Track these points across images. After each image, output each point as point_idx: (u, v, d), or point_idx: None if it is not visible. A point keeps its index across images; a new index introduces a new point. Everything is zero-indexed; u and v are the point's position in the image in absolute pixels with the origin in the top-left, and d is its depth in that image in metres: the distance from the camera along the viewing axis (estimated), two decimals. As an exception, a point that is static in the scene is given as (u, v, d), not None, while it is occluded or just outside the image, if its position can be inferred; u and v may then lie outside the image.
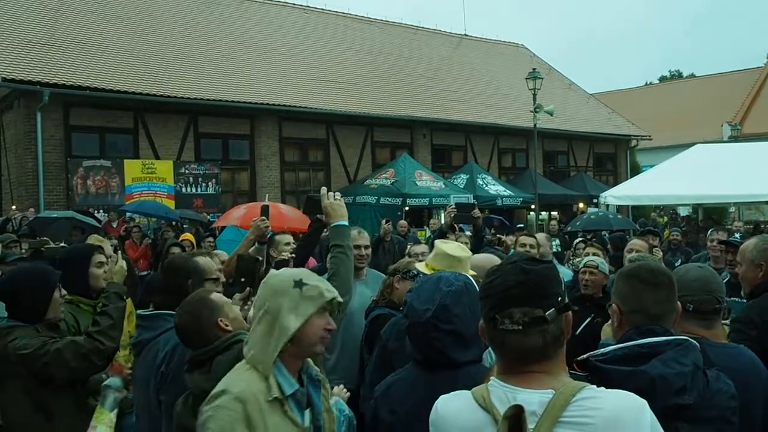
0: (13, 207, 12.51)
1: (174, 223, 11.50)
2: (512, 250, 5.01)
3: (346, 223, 2.72)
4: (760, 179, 10.77)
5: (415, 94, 18.85)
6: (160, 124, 14.06)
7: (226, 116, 14.81)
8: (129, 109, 13.49)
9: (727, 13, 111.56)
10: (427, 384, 1.62)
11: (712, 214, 16.01)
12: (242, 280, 2.86)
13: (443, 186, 15.60)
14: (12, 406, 2.70)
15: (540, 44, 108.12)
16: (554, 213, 19.95)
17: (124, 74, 13.43)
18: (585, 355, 1.67)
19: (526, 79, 16.65)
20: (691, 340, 1.73)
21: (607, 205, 12.60)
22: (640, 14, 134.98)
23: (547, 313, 1.30)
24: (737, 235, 6.86)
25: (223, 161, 14.95)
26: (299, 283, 1.86)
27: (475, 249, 4.22)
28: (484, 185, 17.18)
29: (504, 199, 16.98)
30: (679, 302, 1.85)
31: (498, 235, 5.80)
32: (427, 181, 15.44)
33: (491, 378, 1.38)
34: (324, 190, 2.84)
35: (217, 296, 2.29)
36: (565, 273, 4.96)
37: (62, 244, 6.27)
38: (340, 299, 1.96)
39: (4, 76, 11.71)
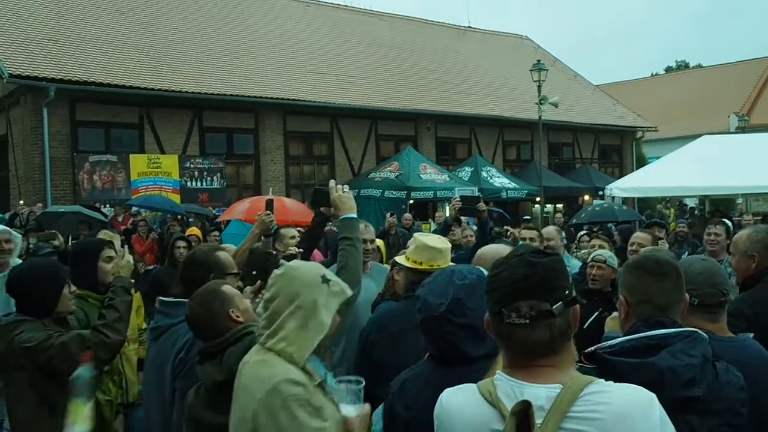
0: (21, 202, 12.56)
1: (180, 217, 11.55)
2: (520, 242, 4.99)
3: (356, 215, 2.71)
4: (768, 170, 10.68)
5: (419, 87, 18.77)
6: (165, 119, 14.08)
7: (230, 110, 14.82)
8: (134, 104, 13.52)
9: (736, 2, 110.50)
10: (441, 379, 1.61)
11: (720, 206, 15.89)
12: (253, 273, 2.87)
13: (448, 179, 15.53)
14: (18, 399, 2.71)
15: (544, 36, 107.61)
16: (559, 205, 19.89)
17: (129, 69, 13.45)
18: (593, 348, 1.66)
19: (531, 70, 16.52)
20: (699, 332, 1.72)
21: (613, 197, 12.52)
22: (646, 6, 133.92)
23: (554, 307, 1.29)
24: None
25: (228, 155, 14.96)
26: (325, 279, 1.88)
27: (481, 242, 4.20)
28: (489, 178, 17.10)
29: (509, 191, 16.89)
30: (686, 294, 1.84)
31: (506, 227, 5.78)
32: (431, 174, 15.39)
33: (497, 372, 1.35)
34: (333, 182, 2.82)
35: (228, 288, 2.29)
36: (574, 264, 4.93)
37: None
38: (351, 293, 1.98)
39: (10, 72, 11.75)
